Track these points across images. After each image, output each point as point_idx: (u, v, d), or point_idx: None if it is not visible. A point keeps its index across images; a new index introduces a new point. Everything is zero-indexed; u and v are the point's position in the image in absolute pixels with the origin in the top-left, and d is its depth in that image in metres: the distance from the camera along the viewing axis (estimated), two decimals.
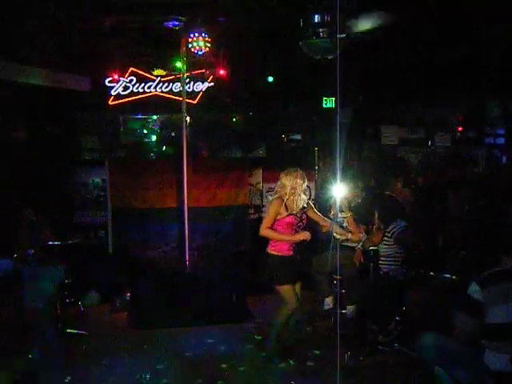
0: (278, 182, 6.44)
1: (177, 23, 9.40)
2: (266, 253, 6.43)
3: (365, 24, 8.30)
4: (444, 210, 9.48)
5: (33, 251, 7.34)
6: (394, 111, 13.76)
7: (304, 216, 6.48)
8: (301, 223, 6.43)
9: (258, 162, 11.64)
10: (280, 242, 6.34)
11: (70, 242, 8.85)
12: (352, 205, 8.16)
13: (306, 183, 6.45)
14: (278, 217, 6.31)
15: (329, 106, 13.31)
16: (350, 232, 7.64)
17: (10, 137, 11.42)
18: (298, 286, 6.53)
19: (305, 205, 6.43)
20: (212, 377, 6.08)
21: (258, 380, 6.14)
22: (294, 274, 6.45)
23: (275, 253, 6.35)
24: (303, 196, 6.39)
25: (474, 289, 4.55)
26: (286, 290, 6.30)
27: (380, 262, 7.42)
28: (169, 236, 9.48)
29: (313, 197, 10.66)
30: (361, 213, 8.17)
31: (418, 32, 10.18)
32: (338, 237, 7.49)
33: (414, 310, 6.72)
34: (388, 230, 7.37)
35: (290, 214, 6.32)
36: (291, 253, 6.38)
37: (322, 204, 9.09)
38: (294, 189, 6.31)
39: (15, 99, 10.57)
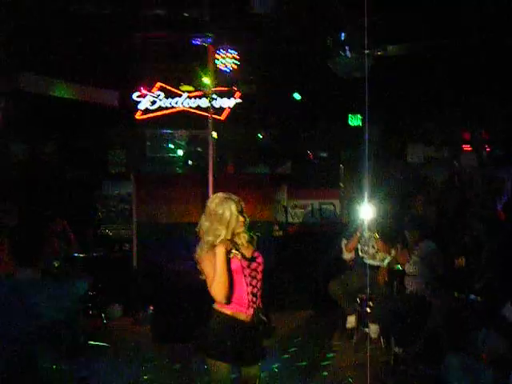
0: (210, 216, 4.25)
1: (205, 40, 9.48)
2: (212, 309, 4.30)
3: (393, 45, 8.32)
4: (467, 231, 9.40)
5: (58, 263, 7.41)
6: (420, 130, 13.71)
7: (259, 256, 4.38)
8: (255, 266, 4.31)
9: (283, 178, 11.65)
10: (235, 293, 4.20)
11: (94, 254, 8.91)
12: (378, 224, 8.14)
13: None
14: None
15: (355, 123, 13.32)
16: (378, 250, 7.68)
17: (39, 149, 11.56)
18: (247, 371, 4.39)
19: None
20: None
21: None
22: (242, 349, 4.24)
23: (222, 310, 4.23)
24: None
25: (509, 310, 4.51)
26: (217, 369, 4.21)
27: (405, 281, 7.39)
28: (193, 251, 9.48)
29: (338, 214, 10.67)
30: (387, 232, 8.15)
31: (447, 53, 10.17)
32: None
33: (439, 330, 6.66)
34: (416, 250, 7.33)
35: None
36: (250, 313, 4.25)
37: (348, 223, 9.08)
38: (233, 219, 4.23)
39: (45, 113, 10.70)
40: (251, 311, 4.23)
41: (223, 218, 4.18)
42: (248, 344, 4.25)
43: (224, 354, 4.16)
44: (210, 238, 4.17)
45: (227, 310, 4.20)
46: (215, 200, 4.27)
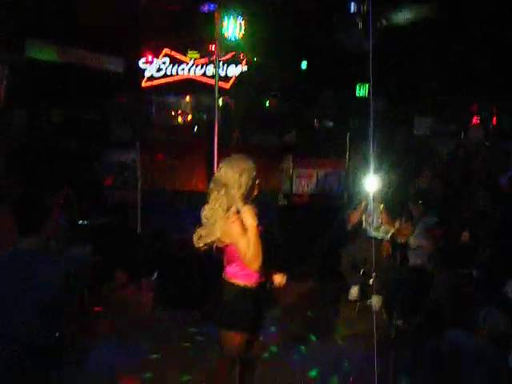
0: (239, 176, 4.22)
1: (212, 6, 9.38)
2: (223, 280, 4.36)
3: (402, 13, 8.21)
4: (471, 204, 9.37)
5: (61, 232, 7.40)
6: (428, 102, 13.62)
7: None
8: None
9: (288, 147, 11.59)
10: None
11: (98, 221, 8.90)
12: (383, 196, 8.12)
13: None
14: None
15: (363, 93, 13.23)
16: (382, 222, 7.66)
17: (43, 117, 11.52)
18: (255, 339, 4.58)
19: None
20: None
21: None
22: (257, 317, 4.46)
23: (238, 281, 4.29)
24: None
25: (510, 287, 4.51)
26: (232, 338, 4.32)
27: (409, 254, 7.40)
28: (197, 219, 9.47)
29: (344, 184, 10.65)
30: (392, 204, 8.13)
31: (457, 21, 10.05)
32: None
33: (441, 303, 6.67)
34: (420, 223, 7.34)
35: None
36: (259, 281, 4.37)
37: (354, 194, 9.06)
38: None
39: (49, 79, 10.65)
40: (262, 279, 4.35)
41: (243, 180, 4.19)
42: (259, 312, 4.43)
43: (240, 324, 4.25)
44: (235, 202, 4.17)
45: (240, 281, 4.27)
46: (235, 163, 4.26)
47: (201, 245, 4.32)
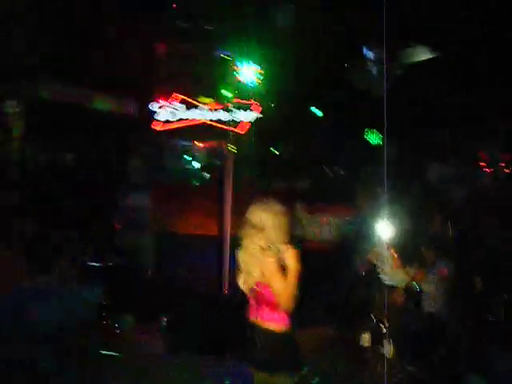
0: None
1: (227, 52, 9.49)
2: (258, 325, 4.35)
3: (414, 57, 8.27)
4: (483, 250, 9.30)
5: (73, 271, 7.39)
6: (440, 148, 13.65)
7: None
8: None
9: (300, 193, 11.61)
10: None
11: (109, 262, 8.89)
12: (396, 242, 8.06)
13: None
14: None
15: (373, 139, 13.27)
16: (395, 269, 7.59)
17: (59, 156, 11.61)
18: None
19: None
20: None
21: None
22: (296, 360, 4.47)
23: (278, 326, 4.31)
24: None
25: None
26: (278, 381, 4.33)
27: (422, 300, 7.31)
28: (208, 263, 9.46)
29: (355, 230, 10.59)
30: (405, 251, 8.07)
31: (467, 64, 10.11)
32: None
33: (455, 350, 6.58)
34: (433, 269, 7.28)
35: None
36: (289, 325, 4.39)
37: (366, 240, 9.02)
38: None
39: (64, 120, 10.75)
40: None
41: (280, 222, 4.27)
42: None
43: (288, 366, 4.29)
44: (274, 244, 4.21)
45: (279, 326, 4.28)
46: (269, 207, 4.31)
47: (245, 288, 4.37)
